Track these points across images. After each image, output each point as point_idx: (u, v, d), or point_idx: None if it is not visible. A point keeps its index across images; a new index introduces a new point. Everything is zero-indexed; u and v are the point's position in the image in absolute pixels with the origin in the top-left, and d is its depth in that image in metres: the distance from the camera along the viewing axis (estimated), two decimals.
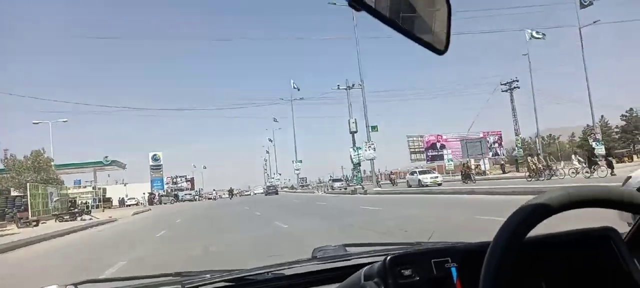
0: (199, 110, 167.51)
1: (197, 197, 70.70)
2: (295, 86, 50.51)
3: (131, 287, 1.37)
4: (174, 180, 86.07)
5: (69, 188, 43.90)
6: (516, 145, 46.49)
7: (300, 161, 55.73)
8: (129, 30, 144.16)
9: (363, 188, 26.97)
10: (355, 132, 28.57)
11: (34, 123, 37.44)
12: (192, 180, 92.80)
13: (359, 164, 29.20)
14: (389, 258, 0.86)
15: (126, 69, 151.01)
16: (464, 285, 0.76)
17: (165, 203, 58.38)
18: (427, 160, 57.03)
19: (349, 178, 41.94)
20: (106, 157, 51.33)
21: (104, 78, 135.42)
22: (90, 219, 24.02)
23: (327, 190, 41.26)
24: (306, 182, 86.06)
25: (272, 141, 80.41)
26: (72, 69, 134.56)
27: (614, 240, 0.78)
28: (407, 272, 0.84)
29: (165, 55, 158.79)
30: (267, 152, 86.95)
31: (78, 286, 1.26)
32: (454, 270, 0.83)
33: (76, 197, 34.04)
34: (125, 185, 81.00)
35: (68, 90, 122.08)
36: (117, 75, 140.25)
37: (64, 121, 40.18)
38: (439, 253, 0.87)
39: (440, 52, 0.67)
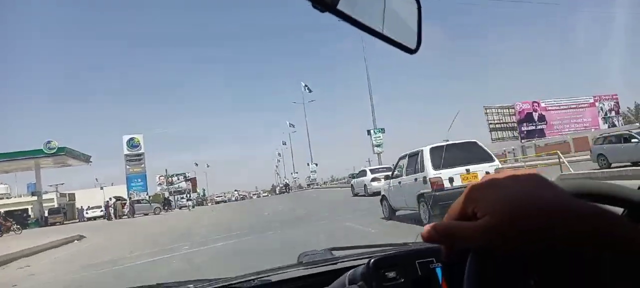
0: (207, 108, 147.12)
1: (190, 204, 49.85)
2: None
3: None
4: (169, 179, 65.90)
5: None
6: None
7: (383, 130, 37.31)
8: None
9: None
10: None
11: None
12: (193, 180, 73.05)
13: None
14: (372, 261, 0.86)
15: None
16: (450, 285, 0.74)
17: (146, 214, 37.64)
18: (522, 138, 40.88)
19: None
20: (49, 142, 31.39)
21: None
22: None
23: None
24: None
25: (293, 126, 63.76)
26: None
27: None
28: (391, 274, 0.84)
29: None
30: (285, 142, 72.24)
31: None
32: (439, 271, 0.83)
33: None
34: (102, 189, 61.12)
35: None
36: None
37: None
38: (424, 254, 0.87)
39: (411, 52, 0.65)
